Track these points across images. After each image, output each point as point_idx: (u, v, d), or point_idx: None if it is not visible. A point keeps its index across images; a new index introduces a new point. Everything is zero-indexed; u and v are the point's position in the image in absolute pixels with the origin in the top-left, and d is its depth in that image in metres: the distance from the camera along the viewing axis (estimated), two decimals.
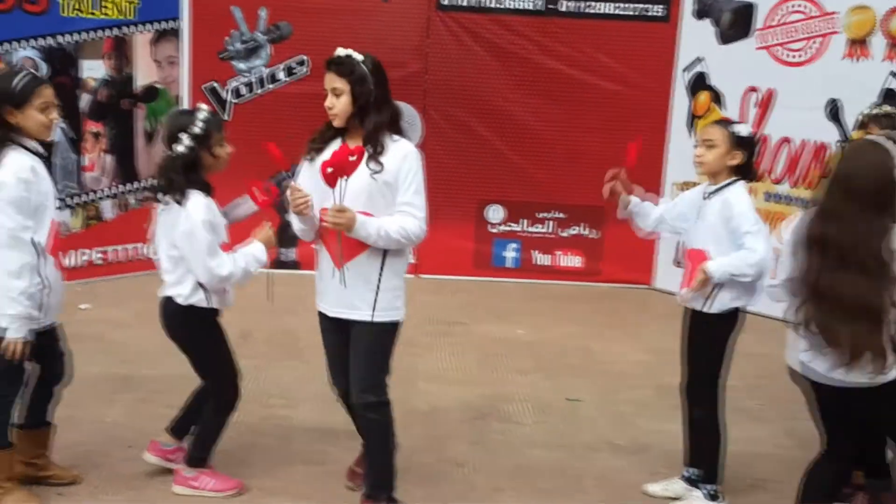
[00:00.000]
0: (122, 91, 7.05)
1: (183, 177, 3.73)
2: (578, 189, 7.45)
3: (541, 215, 7.66)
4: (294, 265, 7.36)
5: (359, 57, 3.60)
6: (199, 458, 4.02)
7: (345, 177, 3.43)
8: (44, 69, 6.57)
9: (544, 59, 7.39)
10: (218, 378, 3.99)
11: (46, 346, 3.83)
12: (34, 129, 3.65)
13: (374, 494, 3.79)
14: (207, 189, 3.77)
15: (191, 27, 7.21)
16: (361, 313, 3.63)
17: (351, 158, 3.42)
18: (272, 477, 4.15)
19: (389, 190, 3.55)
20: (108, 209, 7.12)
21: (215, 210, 3.78)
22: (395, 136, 3.61)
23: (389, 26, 7.29)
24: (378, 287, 3.61)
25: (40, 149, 3.72)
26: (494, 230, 7.69)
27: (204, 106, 3.86)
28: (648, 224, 4.20)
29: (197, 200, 3.71)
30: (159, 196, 3.77)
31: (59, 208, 6.23)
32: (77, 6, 6.71)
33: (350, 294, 3.62)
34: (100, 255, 7.08)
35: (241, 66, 7.32)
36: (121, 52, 7.00)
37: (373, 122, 3.56)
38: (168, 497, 3.96)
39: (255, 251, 3.85)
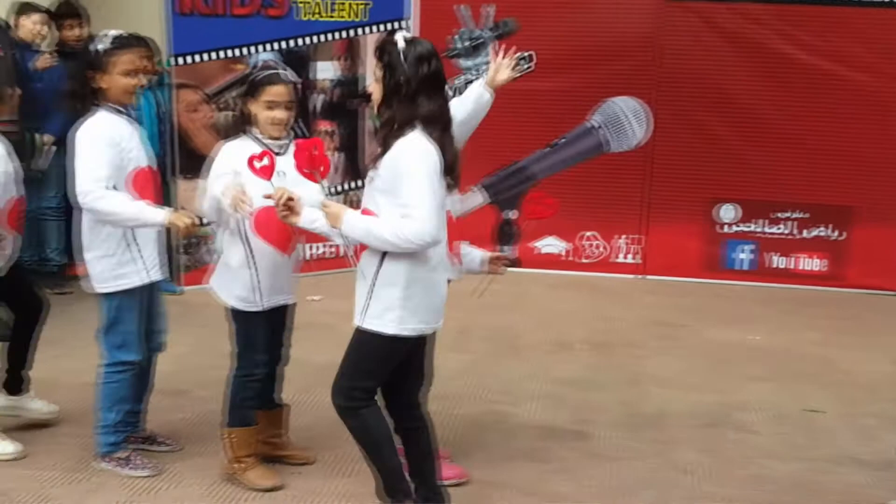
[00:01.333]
0: (351, 91, 7.25)
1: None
2: (822, 187, 7.06)
3: (779, 215, 7.24)
4: (514, 263, 7.34)
5: (401, 44, 3.22)
6: None
7: (320, 169, 3.34)
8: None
9: (786, 49, 7.01)
10: None
11: (277, 324, 3.98)
12: (261, 123, 3.77)
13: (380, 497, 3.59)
14: None
15: (418, 26, 7.31)
16: (358, 317, 3.38)
17: (314, 152, 3.33)
18: (495, 470, 4.11)
19: (384, 194, 3.24)
20: None
21: None
22: (411, 135, 3.21)
23: (617, 18, 7.16)
24: (371, 292, 3.30)
25: (271, 143, 3.79)
26: (726, 230, 7.34)
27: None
28: None
29: None
30: None
31: None
32: (315, 9, 6.97)
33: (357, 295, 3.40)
34: (329, 250, 7.30)
35: (467, 63, 7.36)
36: (352, 52, 7.22)
37: (387, 115, 3.22)
38: None
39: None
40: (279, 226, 3.76)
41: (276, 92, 3.72)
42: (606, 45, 7.13)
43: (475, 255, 4.02)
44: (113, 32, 3.92)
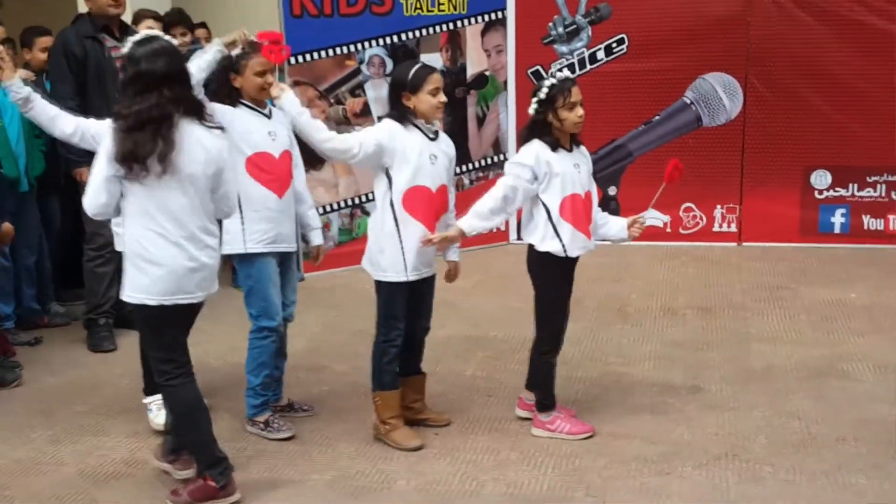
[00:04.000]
0: (456, 80, 7.59)
1: (528, 132, 4.22)
2: None
3: (871, 179, 7.44)
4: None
5: (125, 48, 3.63)
6: (542, 402, 4.36)
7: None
8: (389, 65, 7.27)
9: (872, 19, 7.19)
10: (539, 319, 4.34)
11: (420, 294, 4.31)
12: (427, 111, 4.13)
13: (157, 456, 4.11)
14: (555, 146, 4.16)
15: (516, 16, 7.66)
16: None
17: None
18: (619, 424, 4.42)
19: None
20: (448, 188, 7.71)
21: (545, 162, 4.13)
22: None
23: None
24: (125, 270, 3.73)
25: (428, 128, 4.18)
26: (821, 196, 7.56)
27: (561, 74, 4.19)
28: None
29: (529, 146, 4.16)
30: None
31: None
32: (417, 5, 7.33)
33: None
34: None
35: (563, 49, 7.69)
36: (454, 44, 7.56)
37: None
38: (528, 439, 4.32)
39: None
40: (426, 203, 4.18)
41: (437, 79, 4.15)
42: (697, 24, 7.36)
43: (618, 223, 4.38)
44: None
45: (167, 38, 3.65)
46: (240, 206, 4.23)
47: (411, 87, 4.10)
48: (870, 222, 7.52)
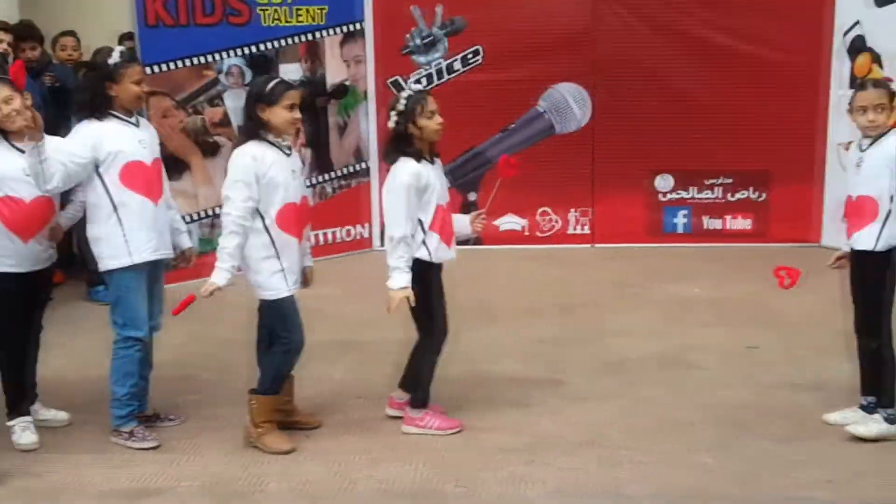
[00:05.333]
0: (316, 90, 7.67)
1: (392, 146, 4.30)
2: (744, 154, 7.76)
3: (709, 182, 7.96)
4: (476, 241, 7.86)
5: None
6: (418, 400, 4.50)
7: None
8: (248, 75, 7.29)
9: (707, 33, 7.70)
10: (423, 321, 4.49)
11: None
12: (281, 124, 4.18)
13: None
14: (419, 157, 4.25)
15: (374, 27, 7.82)
16: None
17: None
18: (485, 418, 4.61)
19: None
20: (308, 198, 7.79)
21: (424, 176, 4.22)
22: None
23: (555, 12, 7.77)
24: None
25: (282, 143, 4.23)
26: (664, 198, 8.03)
27: (416, 86, 4.36)
28: None
29: (405, 165, 4.21)
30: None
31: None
32: (276, 16, 7.40)
33: None
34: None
35: (421, 59, 7.90)
36: (314, 54, 7.66)
37: None
38: (399, 436, 4.46)
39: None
40: (296, 218, 4.27)
41: (294, 96, 4.19)
42: (547, 36, 7.72)
43: (462, 220, 4.56)
44: (118, 48, 4.36)
45: None
46: (119, 219, 4.24)
47: (267, 100, 4.15)
48: (709, 222, 8.04)
